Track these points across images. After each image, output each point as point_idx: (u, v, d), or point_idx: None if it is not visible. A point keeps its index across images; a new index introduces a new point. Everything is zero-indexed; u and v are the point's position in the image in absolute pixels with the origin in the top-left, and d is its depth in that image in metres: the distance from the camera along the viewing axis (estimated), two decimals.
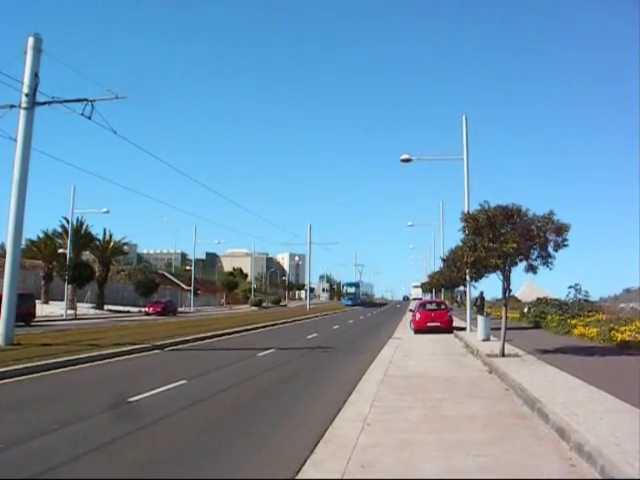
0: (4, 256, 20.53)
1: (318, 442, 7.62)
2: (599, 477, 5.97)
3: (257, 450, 7.38)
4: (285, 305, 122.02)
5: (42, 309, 47.99)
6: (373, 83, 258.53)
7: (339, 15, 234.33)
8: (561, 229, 15.60)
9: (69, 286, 51.16)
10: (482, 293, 37.12)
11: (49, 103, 20.74)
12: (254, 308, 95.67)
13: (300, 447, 7.40)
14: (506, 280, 16.87)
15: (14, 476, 6.20)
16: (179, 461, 6.90)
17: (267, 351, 20.12)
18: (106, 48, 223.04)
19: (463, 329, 29.48)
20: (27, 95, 19.97)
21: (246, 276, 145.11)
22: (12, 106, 20.21)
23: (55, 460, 6.76)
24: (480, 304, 35.50)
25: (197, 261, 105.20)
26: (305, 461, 6.75)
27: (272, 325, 38.73)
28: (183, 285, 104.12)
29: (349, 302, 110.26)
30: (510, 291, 17.97)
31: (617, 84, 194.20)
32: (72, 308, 50.14)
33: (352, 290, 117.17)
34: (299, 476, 6.23)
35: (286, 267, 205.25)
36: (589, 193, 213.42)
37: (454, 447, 7.25)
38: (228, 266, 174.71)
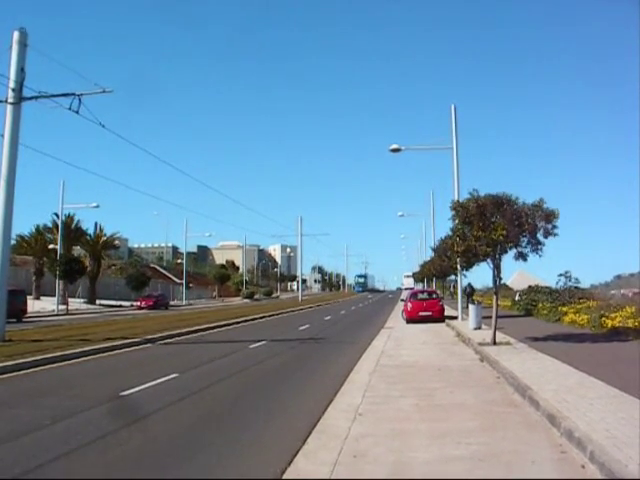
0: None
1: (310, 433, 7.66)
2: (589, 463, 6.01)
3: (249, 442, 7.39)
4: (277, 297, 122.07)
5: (33, 305, 47.80)
6: (364, 73, 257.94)
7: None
8: (550, 216, 15.64)
9: (60, 281, 50.92)
10: (469, 283, 37.42)
11: (36, 98, 20.57)
12: (246, 300, 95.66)
13: (292, 438, 7.42)
14: (496, 268, 16.92)
15: (7, 472, 6.18)
16: (171, 454, 6.91)
17: (259, 343, 20.13)
18: (94, 41, 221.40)
19: (455, 318, 29.62)
20: (13, 90, 19.78)
21: (238, 268, 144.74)
22: None
23: (47, 456, 6.74)
24: (469, 293, 35.71)
25: (188, 254, 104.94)
26: (297, 452, 6.78)
27: (264, 317, 38.76)
28: (175, 278, 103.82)
29: (360, 289, 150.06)
30: (501, 279, 18.03)
31: (608, 68, 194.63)
32: (64, 303, 49.92)
33: (362, 280, 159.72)
34: (291, 467, 6.25)
35: (278, 259, 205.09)
36: (580, 181, 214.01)
37: (446, 436, 7.29)
38: (220, 259, 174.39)
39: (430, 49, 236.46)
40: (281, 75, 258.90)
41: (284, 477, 5.98)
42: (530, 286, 37.88)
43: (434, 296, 34.62)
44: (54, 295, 50.83)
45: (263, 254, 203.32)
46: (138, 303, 60.38)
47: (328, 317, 39.22)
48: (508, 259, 17.00)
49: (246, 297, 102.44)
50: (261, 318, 37.64)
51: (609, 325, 19.31)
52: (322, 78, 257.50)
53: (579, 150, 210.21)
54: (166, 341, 21.25)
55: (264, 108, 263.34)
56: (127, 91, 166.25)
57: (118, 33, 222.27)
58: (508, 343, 16.89)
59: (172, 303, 73.07)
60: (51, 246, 57.19)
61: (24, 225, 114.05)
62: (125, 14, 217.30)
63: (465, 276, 29.76)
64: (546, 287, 35.33)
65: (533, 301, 31.70)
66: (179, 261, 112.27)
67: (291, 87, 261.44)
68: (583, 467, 5.98)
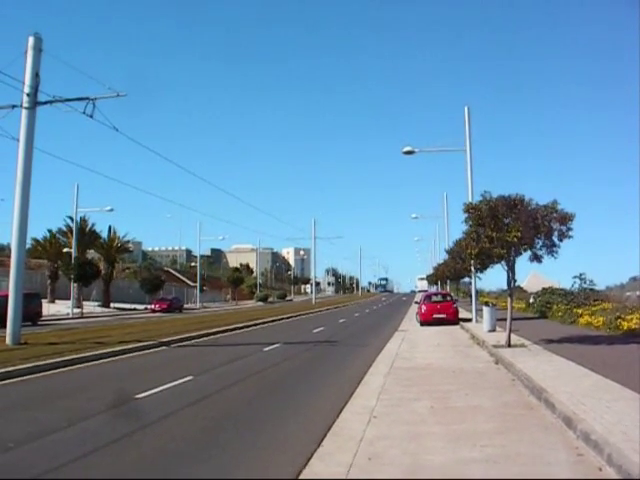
0: (10, 257, 20.58)
1: (325, 435, 7.64)
2: (606, 466, 5.96)
3: (264, 445, 7.40)
4: (291, 300, 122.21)
5: (48, 308, 48.20)
6: (378, 74, 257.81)
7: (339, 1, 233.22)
8: (565, 218, 15.55)
9: (75, 285, 51.24)
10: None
11: (50, 102, 20.75)
12: (260, 303, 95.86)
13: (307, 441, 7.41)
14: (511, 270, 16.83)
15: (25, 474, 6.23)
16: (186, 456, 6.92)
17: (273, 346, 20.15)
18: (108, 46, 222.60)
19: (469, 320, 29.50)
20: (28, 95, 19.94)
21: (252, 271, 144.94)
22: (14, 106, 20.21)
23: (64, 458, 6.78)
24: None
25: (202, 257, 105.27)
26: (312, 454, 6.76)
27: (278, 320, 38.81)
28: (189, 282, 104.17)
29: (382, 289, 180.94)
30: (515, 281, 17.89)
31: (617, 67, 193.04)
32: (78, 307, 50.27)
33: (383, 282, 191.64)
34: (306, 469, 6.25)
35: (291, 262, 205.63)
36: (595, 182, 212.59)
37: (461, 438, 7.26)
38: (233, 262, 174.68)
39: (444, 51, 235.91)
40: (294, 77, 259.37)
41: (300, 478, 5.99)
42: (544, 288, 37.64)
43: (448, 298, 34.50)
44: (69, 298, 51.18)
45: (277, 257, 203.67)
46: (152, 306, 60.71)
47: (342, 320, 39.17)
48: (522, 261, 16.95)
49: (260, 300, 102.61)
50: (275, 321, 37.69)
51: (625, 327, 19.18)
52: (335, 80, 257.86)
53: (592, 152, 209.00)
54: (180, 344, 21.31)
55: (277, 110, 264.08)
56: (135, 93, 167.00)
57: (118, 33, 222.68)
58: (523, 345, 16.80)
59: (186, 306, 73.33)
60: (65, 249, 57.57)
61: (39, 229, 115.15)
62: (125, 14, 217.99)
63: (480, 278, 29.66)
64: (561, 289, 35.10)
65: (548, 303, 31.51)
66: (193, 264, 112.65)
67: (305, 89, 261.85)
68: (600, 470, 5.93)
